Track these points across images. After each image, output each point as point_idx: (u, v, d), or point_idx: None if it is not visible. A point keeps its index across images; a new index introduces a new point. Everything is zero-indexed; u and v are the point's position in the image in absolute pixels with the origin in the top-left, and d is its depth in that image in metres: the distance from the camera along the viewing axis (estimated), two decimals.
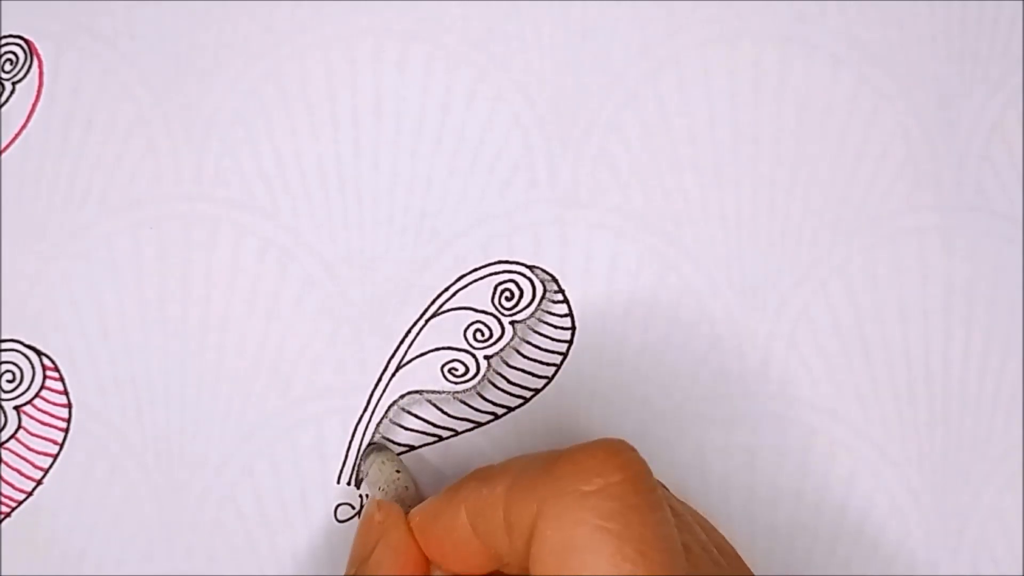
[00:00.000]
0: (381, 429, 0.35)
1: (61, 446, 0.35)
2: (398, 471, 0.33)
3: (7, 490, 0.34)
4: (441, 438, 0.35)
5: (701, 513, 0.32)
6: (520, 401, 0.35)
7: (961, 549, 0.36)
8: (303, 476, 0.35)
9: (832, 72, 0.36)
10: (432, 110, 0.35)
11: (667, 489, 0.32)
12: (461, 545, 0.29)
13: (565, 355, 0.35)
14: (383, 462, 0.34)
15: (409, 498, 0.33)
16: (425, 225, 0.35)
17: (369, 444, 0.35)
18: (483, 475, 0.29)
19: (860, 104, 0.36)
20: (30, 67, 0.35)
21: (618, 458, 0.26)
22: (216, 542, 0.35)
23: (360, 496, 0.35)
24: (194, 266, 0.35)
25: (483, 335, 0.35)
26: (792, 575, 0.35)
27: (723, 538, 0.31)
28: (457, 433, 0.35)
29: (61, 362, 0.35)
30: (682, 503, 0.31)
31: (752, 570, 0.31)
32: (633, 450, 0.27)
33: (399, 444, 0.35)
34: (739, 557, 0.31)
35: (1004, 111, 0.36)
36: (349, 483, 0.35)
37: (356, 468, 0.35)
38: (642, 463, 0.27)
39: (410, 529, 0.31)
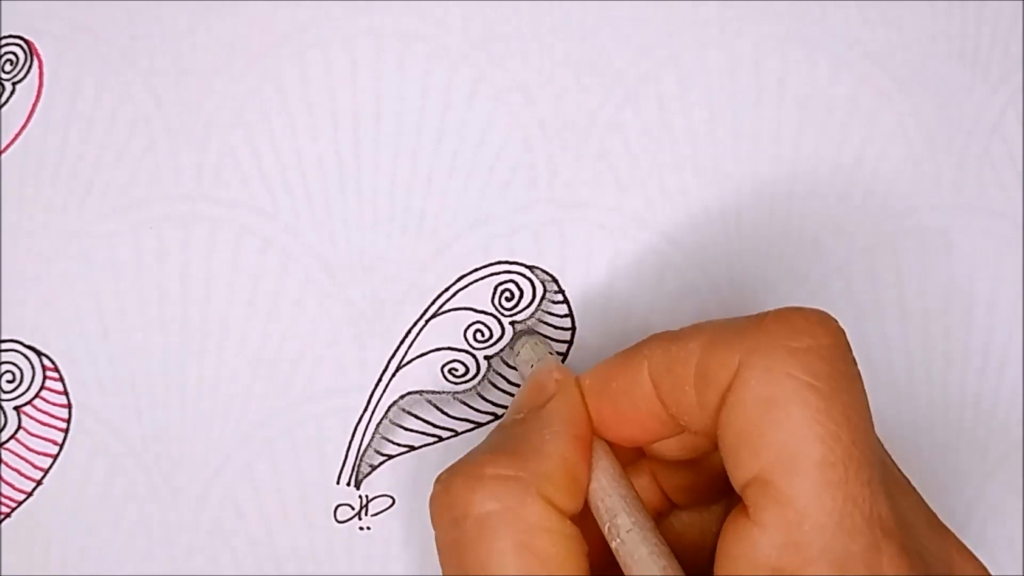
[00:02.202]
0: (381, 429, 0.35)
1: (61, 446, 0.35)
2: (551, 353, 0.33)
3: (7, 490, 0.34)
4: (441, 438, 0.35)
5: None
6: (559, 355, 0.35)
7: None
8: (303, 476, 0.35)
9: (832, 72, 0.36)
10: (432, 110, 0.35)
11: None
12: (637, 405, 0.28)
13: (565, 355, 0.35)
14: (536, 343, 0.33)
15: None
16: (425, 225, 0.35)
17: (518, 330, 0.35)
18: (668, 336, 0.28)
19: (860, 104, 0.36)
20: (30, 67, 0.35)
21: (829, 324, 0.26)
22: (216, 542, 0.35)
23: (360, 496, 0.35)
24: (194, 266, 0.35)
25: (483, 335, 0.35)
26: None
27: None
28: (457, 433, 0.35)
29: (61, 362, 0.35)
30: None
31: None
32: (839, 323, 0.27)
33: (399, 444, 0.35)
34: None
35: (1004, 111, 0.36)
36: (349, 483, 0.35)
37: (358, 462, 0.35)
38: (847, 337, 0.26)
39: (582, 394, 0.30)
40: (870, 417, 0.26)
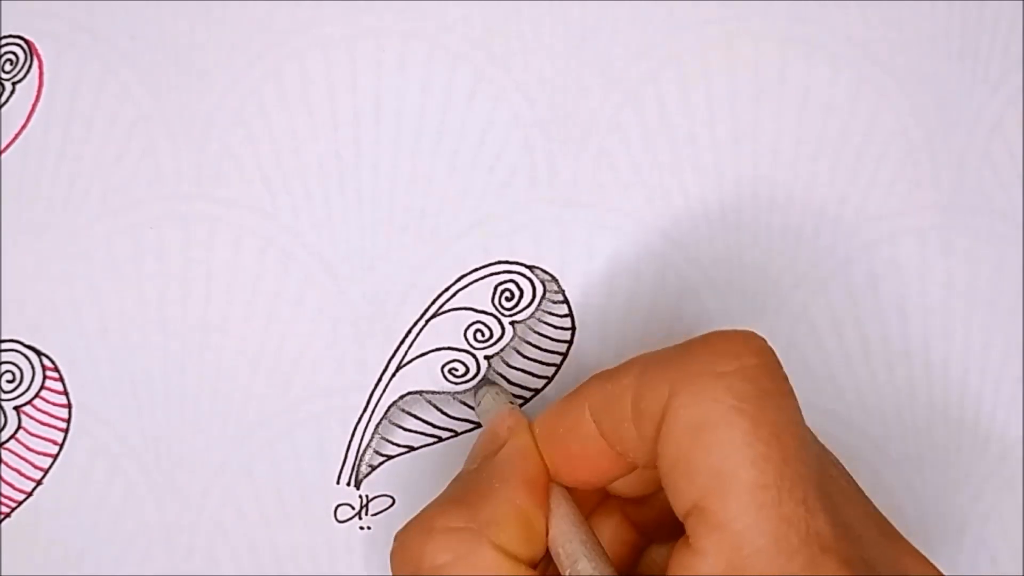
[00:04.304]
0: (381, 429, 0.35)
1: (61, 446, 0.35)
2: (511, 402, 0.33)
3: (7, 490, 0.34)
4: (441, 439, 0.35)
5: None
6: (520, 401, 0.35)
7: (961, 549, 0.36)
8: (303, 476, 0.35)
9: (832, 72, 0.36)
10: (432, 110, 0.35)
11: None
12: (585, 446, 0.28)
13: (565, 355, 0.35)
14: (497, 394, 0.34)
15: None
16: (425, 225, 0.35)
17: (482, 379, 0.35)
18: (604, 375, 0.28)
19: (860, 104, 0.36)
20: (30, 67, 0.35)
21: (753, 343, 0.26)
22: (216, 542, 0.35)
23: (360, 496, 0.35)
24: (194, 266, 0.35)
25: (483, 335, 0.35)
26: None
27: None
28: (457, 433, 0.35)
29: (61, 362, 0.35)
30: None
31: None
32: (765, 340, 0.27)
33: (399, 444, 0.35)
34: None
35: (1004, 111, 0.36)
36: (349, 483, 0.35)
37: (358, 462, 0.35)
38: (774, 353, 0.27)
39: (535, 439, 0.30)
40: (802, 432, 0.26)
